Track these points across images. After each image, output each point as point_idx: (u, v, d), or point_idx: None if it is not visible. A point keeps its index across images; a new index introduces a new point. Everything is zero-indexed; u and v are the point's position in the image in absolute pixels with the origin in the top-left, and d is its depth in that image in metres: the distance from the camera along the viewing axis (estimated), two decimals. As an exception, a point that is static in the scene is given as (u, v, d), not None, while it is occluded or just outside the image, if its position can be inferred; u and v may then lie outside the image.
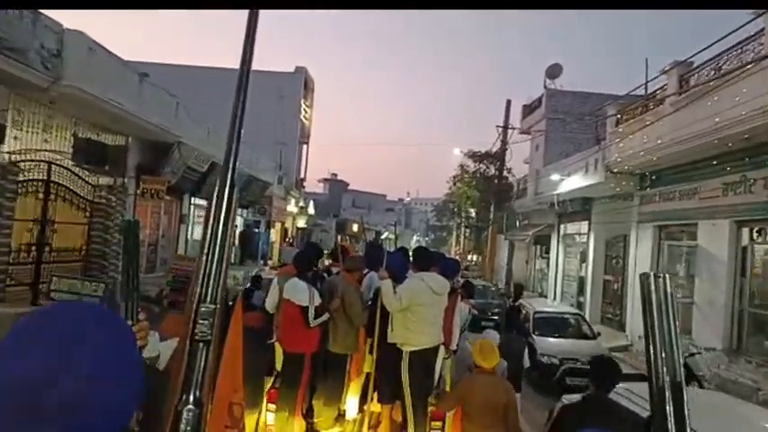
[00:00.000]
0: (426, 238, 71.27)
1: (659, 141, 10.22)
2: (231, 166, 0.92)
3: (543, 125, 19.25)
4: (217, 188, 0.89)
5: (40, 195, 9.77)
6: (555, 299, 18.38)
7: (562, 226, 18.32)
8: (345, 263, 5.18)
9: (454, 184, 24.03)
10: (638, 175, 12.78)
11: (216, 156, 15.25)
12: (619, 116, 12.70)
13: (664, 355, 0.77)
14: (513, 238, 20.97)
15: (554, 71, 19.55)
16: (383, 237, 57.84)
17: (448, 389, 4.82)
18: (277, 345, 4.68)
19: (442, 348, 4.68)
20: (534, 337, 10.15)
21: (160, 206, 13.84)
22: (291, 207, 30.56)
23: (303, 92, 30.34)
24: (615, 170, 12.47)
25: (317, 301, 4.55)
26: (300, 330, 4.50)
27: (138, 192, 12.27)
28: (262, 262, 22.67)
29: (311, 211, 39.97)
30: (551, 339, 9.88)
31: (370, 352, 4.85)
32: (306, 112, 31.47)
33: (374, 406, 4.80)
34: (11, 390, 0.69)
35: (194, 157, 13.75)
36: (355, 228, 51.52)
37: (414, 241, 71.29)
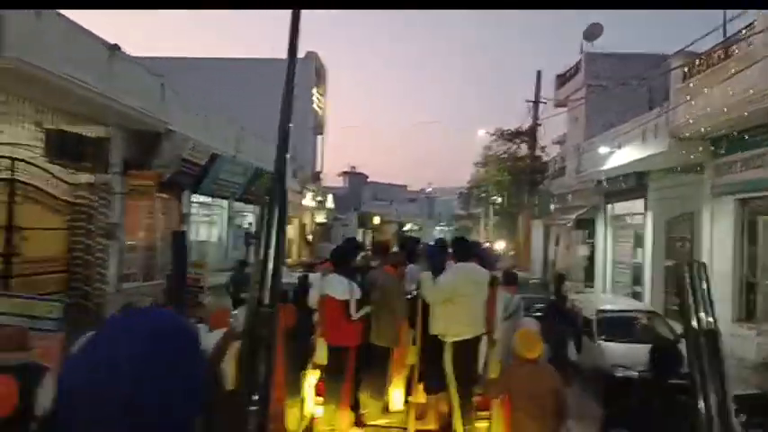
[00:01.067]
0: (451, 228, 69.39)
1: (751, 92, 8.09)
2: (281, 173, 0.98)
3: (582, 94, 17.02)
4: (269, 195, 0.95)
5: (4, 197, 8.27)
6: (605, 290, 16.30)
7: (609, 206, 16.18)
8: (387, 257, 5.25)
9: (483, 166, 21.94)
10: (711, 140, 10.63)
11: (216, 147, 13.66)
12: (687, 69, 10.53)
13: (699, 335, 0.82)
14: (550, 223, 18.87)
15: (593, 32, 17.30)
16: (406, 228, 56.22)
17: (494, 376, 4.64)
18: (320, 339, 4.72)
19: (484, 338, 4.68)
20: (599, 342, 8.26)
21: (154, 205, 12.30)
22: (308, 201, 28.96)
23: (315, 79, 28.62)
24: (685, 134, 10.35)
25: (358, 294, 4.59)
26: (343, 324, 4.55)
27: (126, 190, 10.72)
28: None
29: (330, 204, 38.37)
30: (623, 346, 7.93)
31: (414, 343, 4.91)
32: (319, 101, 29.77)
33: (420, 397, 4.83)
34: (91, 379, 0.74)
35: (190, 149, 12.14)
36: (377, 220, 50.03)
37: (437, 231, 69.45)
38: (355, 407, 4.81)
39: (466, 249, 4.84)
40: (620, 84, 16.11)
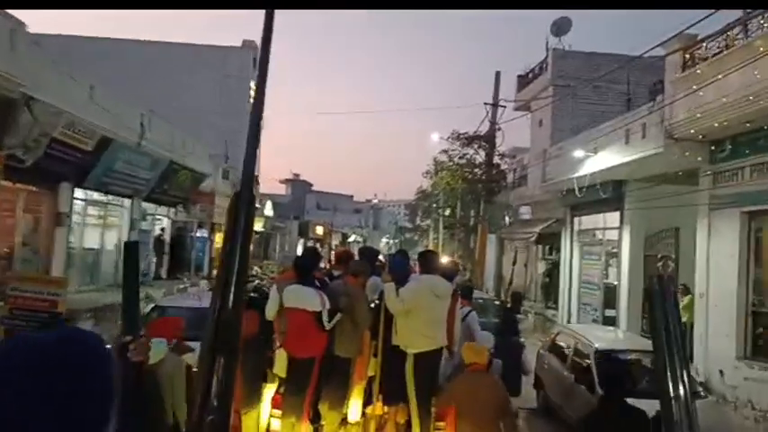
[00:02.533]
0: (396, 240, 67.71)
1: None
2: (249, 179, 0.93)
3: (547, 97, 15.38)
4: (232, 199, 0.84)
5: None
6: (569, 312, 14.56)
7: (576, 219, 14.51)
8: (350, 267, 5.15)
9: (436, 173, 19.93)
10: (711, 142, 9.01)
11: (111, 130, 10.74)
12: (687, 55, 8.87)
13: (670, 355, 0.85)
14: (511, 237, 17.05)
15: (561, 27, 15.81)
16: (350, 239, 53.81)
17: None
18: (280, 351, 4.61)
19: (445, 351, 4.69)
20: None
21: (14, 200, 9.22)
22: (242, 207, 25.99)
23: (253, 71, 25.78)
24: (687, 133, 8.64)
25: (329, 304, 4.49)
26: (310, 335, 4.47)
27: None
28: (200, 274, 18.01)
29: (268, 212, 35.33)
30: (640, 401, 5.82)
31: (374, 355, 4.89)
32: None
33: (378, 408, 4.83)
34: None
35: (67, 127, 9.19)
36: (320, 230, 47.22)
37: (383, 244, 67.54)
38: (314, 419, 4.72)
39: (431, 262, 4.89)
40: (590, 84, 14.61)
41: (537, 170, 15.55)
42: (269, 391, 4.64)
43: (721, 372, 8.71)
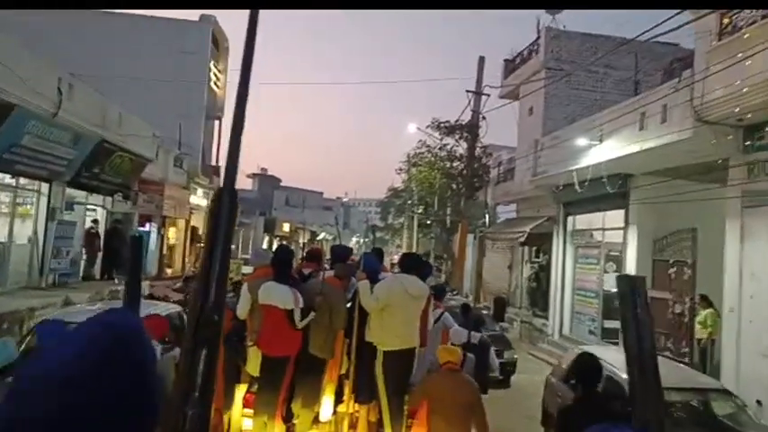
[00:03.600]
0: (367, 240, 65.88)
1: None
2: (232, 168, 0.86)
3: (540, 79, 13.75)
4: (214, 195, 0.83)
5: None
6: (561, 322, 13.00)
7: (571, 218, 12.96)
8: (336, 269, 5.13)
9: (414, 165, 18.08)
10: (747, 127, 7.50)
11: (11, 92, 8.51)
12: (725, 21, 7.30)
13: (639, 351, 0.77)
14: (494, 237, 15.40)
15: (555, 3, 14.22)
16: (319, 237, 51.71)
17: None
18: (253, 349, 4.51)
19: (417, 350, 4.66)
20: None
21: None
22: (199, 199, 23.56)
23: (212, 50, 23.43)
24: (727, 112, 7.08)
25: (302, 302, 4.44)
26: (284, 333, 4.40)
27: None
28: (142, 274, 15.65)
29: (209, 207, 32.87)
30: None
31: (347, 353, 4.88)
32: (217, 78, 24.56)
33: (350, 406, 4.81)
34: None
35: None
36: (286, 227, 44.97)
37: (353, 242, 65.67)
38: (287, 417, 4.63)
39: (411, 262, 4.89)
40: (586, 69, 13.07)
41: (525, 163, 13.94)
42: (241, 390, 4.63)
43: (759, 402, 7.19)
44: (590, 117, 10.96)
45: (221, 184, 0.86)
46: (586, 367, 3.48)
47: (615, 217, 11.18)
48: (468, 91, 17.37)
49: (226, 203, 0.82)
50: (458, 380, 4.05)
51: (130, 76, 19.16)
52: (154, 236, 20.64)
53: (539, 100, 13.91)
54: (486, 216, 21.16)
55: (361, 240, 65.28)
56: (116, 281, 12.52)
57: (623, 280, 0.81)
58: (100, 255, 13.91)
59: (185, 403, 0.75)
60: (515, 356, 10.19)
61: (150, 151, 14.72)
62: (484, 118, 16.36)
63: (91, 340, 0.73)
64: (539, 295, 15.67)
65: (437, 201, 20.35)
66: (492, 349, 6.55)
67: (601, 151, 10.18)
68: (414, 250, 27.87)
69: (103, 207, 14.45)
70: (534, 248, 15.90)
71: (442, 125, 16.50)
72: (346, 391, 4.80)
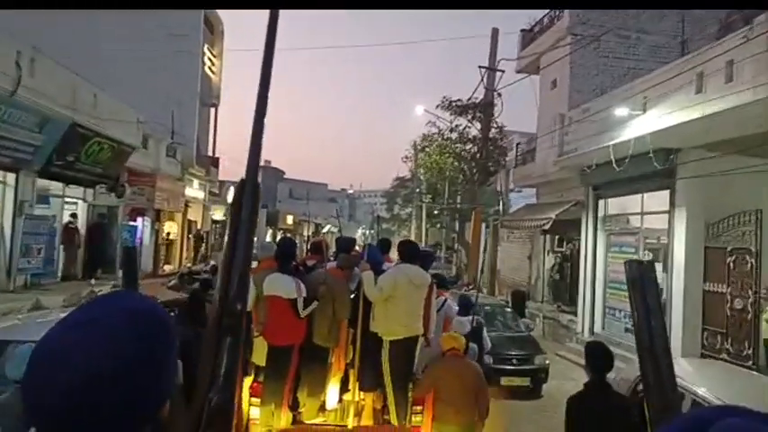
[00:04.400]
0: (372, 231, 64.68)
1: None
2: (254, 159, 0.87)
3: (565, 45, 12.25)
4: (237, 188, 0.85)
5: None
6: (592, 319, 11.64)
7: (602, 203, 11.55)
8: (339, 260, 5.17)
9: (422, 149, 16.62)
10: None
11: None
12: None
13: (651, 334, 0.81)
14: (513, 225, 14.00)
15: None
16: (324, 230, 50.55)
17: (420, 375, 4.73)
18: (259, 340, 4.56)
19: (421, 338, 4.70)
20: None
21: None
22: (195, 191, 22.30)
23: (206, 33, 22.03)
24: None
25: (304, 292, 4.53)
26: (288, 323, 4.49)
27: None
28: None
29: (231, 199, 31.58)
30: None
31: (352, 343, 4.94)
32: (212, 63, 23.18)
33: (356, 395, 4.84)
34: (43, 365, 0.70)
35: None
36: (290, 220, 43.72)
37: (359, 234, 64.52)
38: (293, 406, 4.74)
39: (411, 251, 4.88)
40: (617, 35, 11.59)
41: (547, 142, 12.51)
42: (248, 380, 4.61)
43: None
44: (629, 83, 9.51)
45: (243, 176, 0.85)
46: (597, 354, 3.47)
47: (657, 199, 9.77)
48: (480, 67, 15.93)
49: (249, 194, 0.83)
50: (462, 365, 4.19)
51: (115, 59, 17.88)
52: (147, 231, 19.42)
53: (563, 70, 12.44)
54: (501, 203, 19.77)
55: (367, 232, 64.06)
56: (92, 282, 11.25)
57: (632, 266, 0.83)
58: (81, 252, 12.70)
59: (210, 390, 0.75)
60: (547, 362, 8.88)
61: (135, 138, 13.41)
62: (499, 95, 14.93)
63: (114, 334, 0.72)
64: (563, 288, 14.30)
65: (447, 187, 18.95)
66: (485, 330, 6.68)
67: (644, 122, 8.76)
68: (423, 241, 26.54)
69: (84, 200, 13.18)
70: (557, 237, 14.50)
71: (454, 104, 15.06)
72: (351, 379, 4.89)
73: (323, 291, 4.61)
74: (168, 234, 22.04)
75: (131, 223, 15.86)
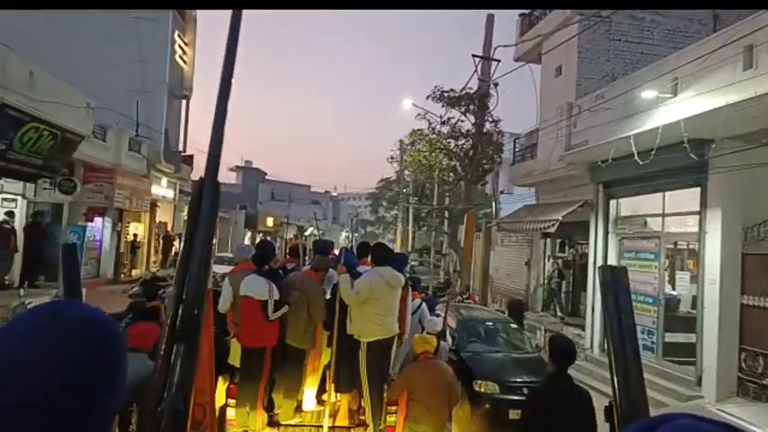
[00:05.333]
0: (356, 234, 63.34)
1: None
2: (214, 168, 0.86)
3: (573, 23, 10.93)
4: (196, 186, 0.84)
5: None
6: (600, 333, 10.31)
7: (614, 202, 10.26)
8: (313, 262, 5.26)
9: (411, 144, 15.25)
10: None
11: None
12: None
13: (622, 337, 0.86)
14: (511, 228, 12.64)
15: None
16: (306, 233, 48.93)
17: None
18: (234, 341, 4.66)
19: (396, 338, 4.80)
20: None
21: None
22: (163, 190, 20.58)
23: (175, 19, 20.34)
24: None
25: (276, 295, 4.57)
26: (261, 325, 4.50)
27: None
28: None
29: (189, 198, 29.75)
30: None
31: (328, 345, 4.93)
32: (183, 51, 21.48)
33: (332, 396, 4.81)
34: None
35: None
36: (270, 222, 41.98)
37: (342, 237, 62.98)
38: (269, 407, 4.77)
39: (384, 254, 4.96)
40: (629, 16, 10.35)
41: (551, 136, 11.19)
42: (224, 382, 4.63)
43: None
44: (657, 62, 8.21)
45: (203, 175, 0.83)
46: (562, 349, 3.57)
47: (683, 198, 8.49)
48: (474, 56, 14.62)
49: (208, 194, 0.80)
50: (435, 367, 4.40)
51: (69, 37, 16.17)
52: (108, 232, 17.71)
53: (569, 56, 11.14)
54: (493, 204, 18.47)
55: (351, 235, 62.50)
56: (21, 293, 9.56)
57: (605, 270, 0.88)
58: (18, 256, 10.99)
59: (161, 399, 0.73)
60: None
61: (84, 126, 11.72)
62: (496, 85, 13.60)
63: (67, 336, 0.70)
64: (564, 298, 13.00)
65: (437, 187, 17.56)
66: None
67: (675, 107, 7.46)
68: (409, 245, 25.17)
69: (23, 196, 11.47)
70: (559, 241, 13.20)
71: (446, 95, 13.69)
72: (328, 381, 4.85)
73: (296, 296, 4.65)
74: (134, 236, 20.29)
75: (82, 224, 14.14)
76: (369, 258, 5.12)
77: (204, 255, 0.78)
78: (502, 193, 18.70)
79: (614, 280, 0.88)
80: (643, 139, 7.96)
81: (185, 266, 0.78)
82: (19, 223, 11.17)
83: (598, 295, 10.10)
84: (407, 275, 5.77)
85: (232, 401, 4.56)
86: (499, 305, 16.65)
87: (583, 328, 10.94)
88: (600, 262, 10.46)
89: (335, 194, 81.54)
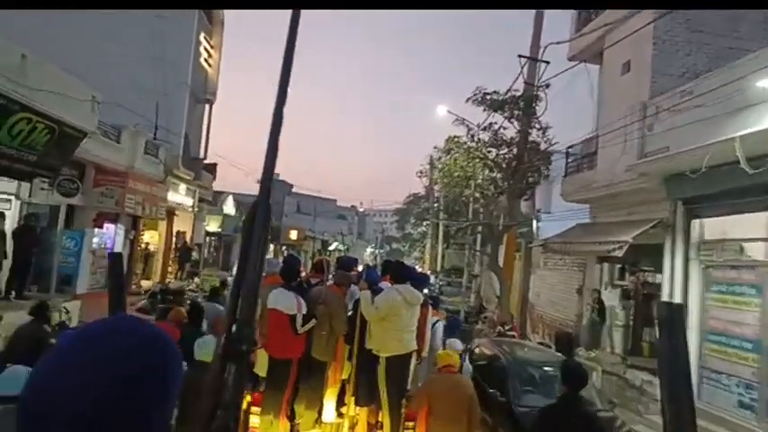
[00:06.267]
0: (382, 251, 61.95)
1: None
2: (268, 183, 0.90)
3: (633, 25, 9.25)
4: (251, 208, 0.89)
5: None
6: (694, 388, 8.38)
7: (696, 223, 8.46)
8: (335, 277, 5.41)
9: (447, 152, 13.62)
10: None
11: None
12: None
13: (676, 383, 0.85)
14: (565, 249, 10.86)
15: None
16: (331, 247, 47.70)
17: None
18: (261, 351, 4.75)
19: (414, 354, 4.95)
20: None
21: None
22: (181, 198, 19.51)
23: (201, 21, 19.50)
24: None
25: (304, 309, 4.69)
26: (288, 337, 4.62)
27: None
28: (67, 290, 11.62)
29: (229, 210, 28.88)
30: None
31: (349, 359, 5.13)
32: (209, 54, 20.60)
33: (351, 409, 5.02)
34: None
35: None
36: (294, 235, 40.82)
37: (368, 254, 61.62)
38: (291, 417, 4.86)
39: (402, 272, 5.10)
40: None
41: (612, 142, 9.50)
42: (248, 391, 4.69)
43: None
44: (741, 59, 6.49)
45: (257, 198, 0.87)
46: (573, 372, 3.68)
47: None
48: (521, 56, 13.07)
49: (260, 219, 0.84)
50: (456, 381, 4.49)
51: (84, 34, 15.38)
52: (120, 240, 16.66)
53: (642, 49, 9.45)
54: (533, 222, 16.70)
55: (377, 251, 61.07)
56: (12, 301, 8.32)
57: (663, 307, 0.86)
58: (7, 263, 9.84)
59: (212, 418, 0.74)
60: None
61: (87, 121, 10.59)
62: (547, 86, 12.01)
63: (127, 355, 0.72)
64: (623, 333, 11.13)
65: (472, 201, 15.90)
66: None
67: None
68: (438, 264, 23.47)
69: (17, 196, 10.36)
70: (618, 266, 11.36)
71: (488, 97, 12.14)
72: (347, 394, 5.02)
73: (321, 310, 4.78)
74: (146, 245, 19.23)
75: (87, 229, 13.04)
76: (389, 276, 5.20)
77: (256, 278, 0.79)
78: (538, 212, 16.93)
79: (671, 318, 0.81)
80: (751, 142, 6.23)
81: (239, 288, 0.78)
82: (10, 226, 10.06)
83: (692, 340, 8.25)
84: (433, 293, 5.87)
85: (256, 409, 4.69)
86: (542, 336, 14.77)
87: (653, 373, 9.05)
88: (677, 295, 8.62)
89: (362, 209, 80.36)
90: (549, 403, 3.92)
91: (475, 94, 12.36)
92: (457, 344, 5.44)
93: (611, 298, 11.32)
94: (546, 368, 6.69)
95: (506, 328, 10.30)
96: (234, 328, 0.77)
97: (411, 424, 4.61)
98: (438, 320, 5.97)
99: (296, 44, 0.87)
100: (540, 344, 11.56)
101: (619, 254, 8.76)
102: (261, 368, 4.69)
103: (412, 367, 4.95)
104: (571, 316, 12.57)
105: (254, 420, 4.68)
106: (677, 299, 8.64)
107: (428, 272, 25.14)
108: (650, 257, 9.68)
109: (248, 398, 4.67)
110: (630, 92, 9.62)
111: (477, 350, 8.01)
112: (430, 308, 5.39)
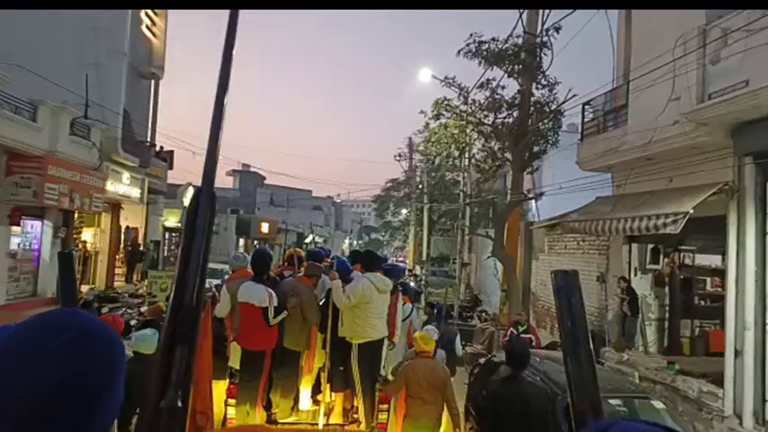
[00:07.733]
0: (360, 242, 59.83)
1: None
2: (210, 172, 0.85)
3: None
4: (193, 197, 0.83)
5: None
6: (753, 394, 6.42)
7: (774, 185, 6.36)
8: (306, 269, 5.41)
9: (436, 118, 11.26)
10: None
11: None
12: None
13: (576, 339, 0.83)
14: (590, 229, 8.70)
15: None
16: (307, 240, 45.21)
17: (389, 376, 5.14)
18: (234, 344, 4.88)
19: (386, 340, 5.12)
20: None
21: None
22: (125, 188, 16.75)
23: (141, -21, 16.64)
24: None
25: (275, 302, 4.75)
26: (260, 329, 4.71)
27: None
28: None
29: (188, 202, 25.89)
30: None
31: (323, 347, 5.26)
32: (152, 22, 17.76)
33: (327, 396, 5.14)
34: None
35: None
36: (266, 228, 38.14)
37: (345, 245, 59.53)
38: (267, 406, 5.00)
39: (372, 260, 5.27)
40: None
41: (651, 88, 7.37)
42: (224, 383, 4.86)
43: None
44: None
45: (199, 184, 0.83)
46: (517, 351, 4.05)
47: None
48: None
49: (204, 205, 0.81)
50: (431, 365, 4.70)
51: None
52: (48, 239, 14.02)
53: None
54: (533, 204, 14.64)
55: (355, 242, 58.87)
56: None
57: (558, 275, 0.87)
58: None
59: (161, 398, 0.75)
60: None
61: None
62: (557, 30, 9.84)
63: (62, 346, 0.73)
64: (656, 327, 9.12)
65: (464, 176, 13.69)
66: (458, 337, 7.90)
67: None
68: (424, 253, 21.26)
69: None
70: (650, 247, 9.30)
71: (485, 48, 9.87)
72: (323, 381, 5.20)
73: (293, 302, 4.88)
74: (85, 243, 16.52)
75: (11, 227, 10.47)
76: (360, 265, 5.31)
77: (201, 263, 0.79)
78: (541, 196, 14.85)
79: (566, 284, 0.85)
80: None
81: (183, 274, 0.78)
82: None
83: (741, 332, 6.21)
84: (414, 286, 6.64)
85: (232, 401, 4.79)
86: (549, 331, 12.74)
87: (716, 383, 7.02)
88: (749, 280, 6.57)
89: (338, 200, 77.71)
90: (494, 384, 4.17)
91: (468, 44, 10.08)
92: (432, 332, 5.57)
93: (641, 285, 9.28)
94: (613, 403, 4.52)
95: (522, 328, 8.16)
96: (179, 309, 0.75)
97: (385, 407, 4.82)
98: (412, 307, 6.37)
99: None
100: (552, 343, 9.48)
101: (673, 229, 6.63)
102: (235, 361, 4.83)
103: (384, 352, 5.13)
104: (591, 309, 10.53)
105: (231, 412, 4.80)
106: (749, 285, 6.60)
107: (413, 263, 22.87)
108: (687, 234, 7.62)
109: (224, 390, 4.75)
110: (671, 24, 7.47)
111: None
112: (400, 294, 5.63)
